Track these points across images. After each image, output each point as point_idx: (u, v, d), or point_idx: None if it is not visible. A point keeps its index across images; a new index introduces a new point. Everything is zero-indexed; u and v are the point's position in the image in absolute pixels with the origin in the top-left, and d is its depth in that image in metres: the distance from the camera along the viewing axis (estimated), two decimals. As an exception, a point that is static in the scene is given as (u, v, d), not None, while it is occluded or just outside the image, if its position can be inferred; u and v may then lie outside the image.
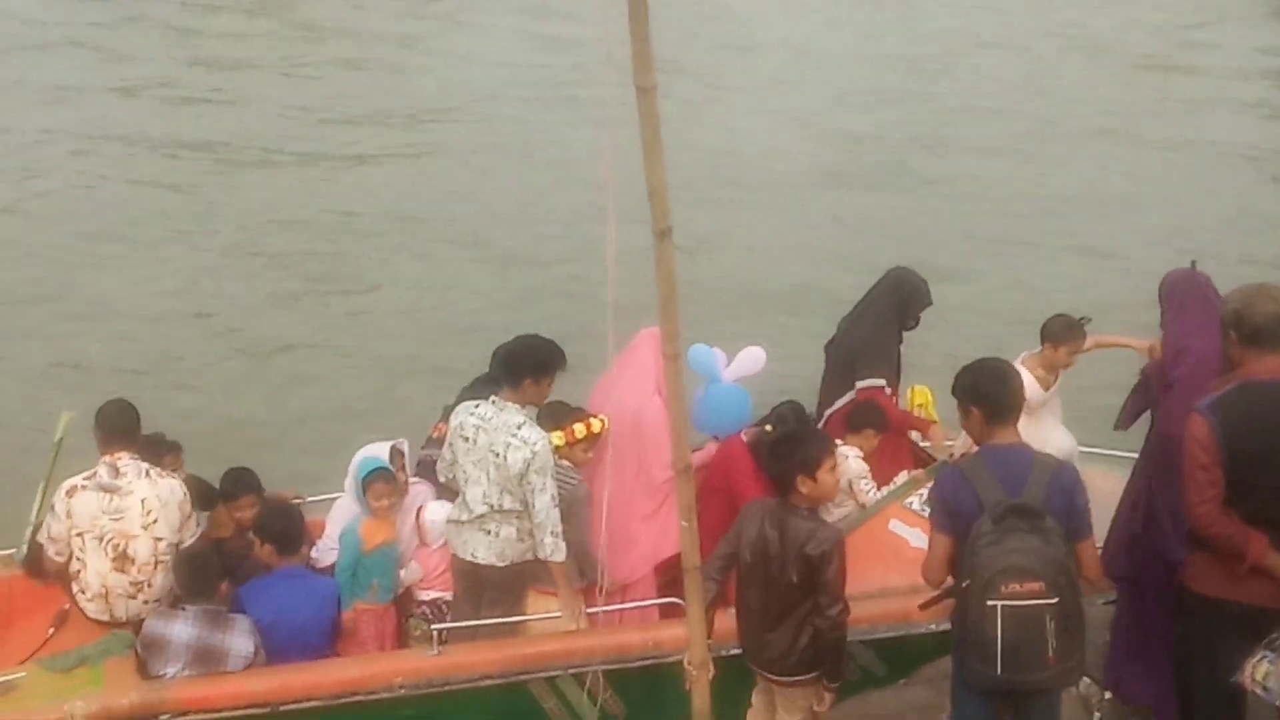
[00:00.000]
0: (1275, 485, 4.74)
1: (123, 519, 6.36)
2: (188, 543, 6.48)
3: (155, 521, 6.39)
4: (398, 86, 19.22)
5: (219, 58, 19.88)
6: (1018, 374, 5.29)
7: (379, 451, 6.88)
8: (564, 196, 14.68)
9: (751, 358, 7.13)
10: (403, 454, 6.97)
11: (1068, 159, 17.20)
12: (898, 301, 7.81)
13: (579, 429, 6.64)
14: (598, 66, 4.93)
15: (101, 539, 6.38)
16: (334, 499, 7.17)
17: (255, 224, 14.89)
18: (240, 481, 6.97)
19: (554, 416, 6.73)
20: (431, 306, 13.24)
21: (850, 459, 7.05)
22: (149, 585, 6.42)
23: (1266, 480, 4.74)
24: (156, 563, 6.41)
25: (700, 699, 4.89)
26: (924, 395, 7.99)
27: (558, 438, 6.61)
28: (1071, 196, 15.97)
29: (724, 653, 5.72)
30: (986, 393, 5.04)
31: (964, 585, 4.74)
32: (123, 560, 6.38)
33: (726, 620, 5.71)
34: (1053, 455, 5.09)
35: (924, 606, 5.40)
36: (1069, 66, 20.98)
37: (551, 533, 6.35)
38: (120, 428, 6.51)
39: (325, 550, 6.93)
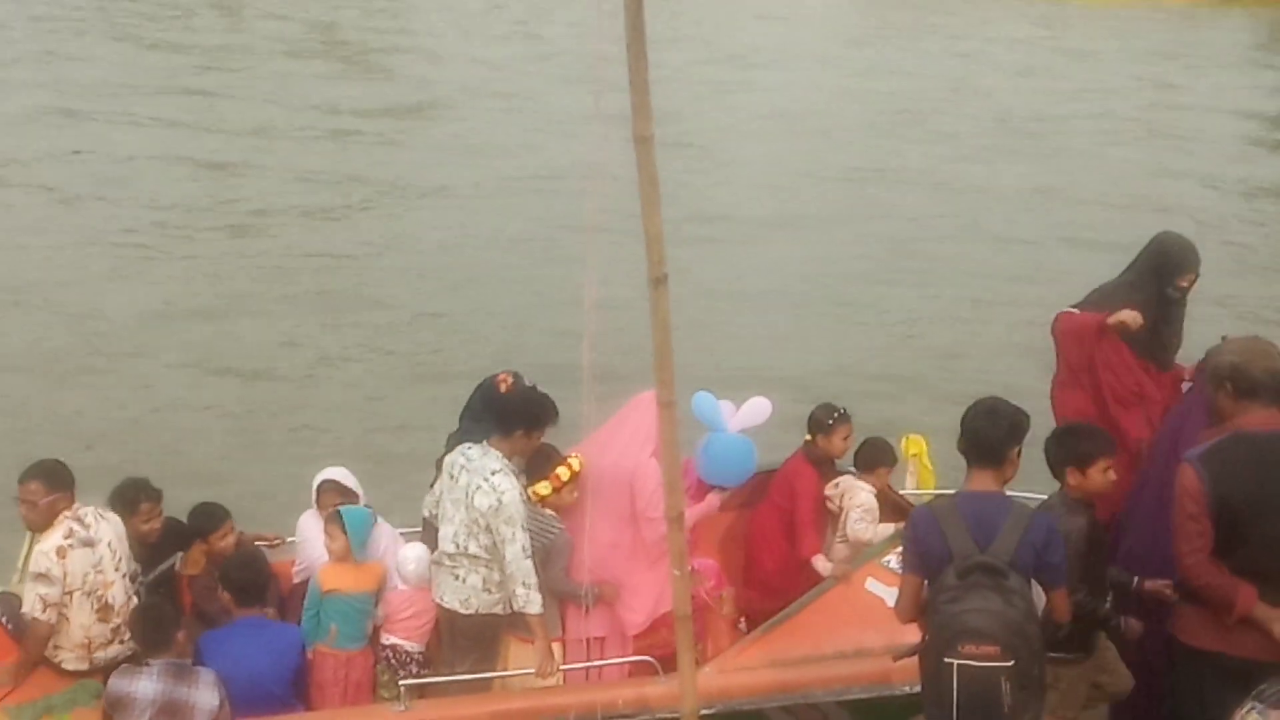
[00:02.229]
0: (1265, 537, 4.76)
1: (100, 567, 6.23)
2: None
3: (120, 559, 6.27)
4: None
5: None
6: (1013, 415, 5.10)
7: (338, 474, 6.90)
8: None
9: (757, 408, 7.05)
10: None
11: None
12: (1152, 268, 6.91)
13: (562, 472, 6.59)
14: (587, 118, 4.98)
15: (89, 594, 6.23)
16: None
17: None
18: (213, 516, 6.86)
19: (540, 460, 6.67)
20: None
21: (862, 493, 7.07)
22: (126, 627, 6.26)
23: (1256, 532, 4.76)
24: (130, 601, 6.28)
25: (690, 751, 4.82)
26: (918, 445, 7.88)
27: (544, 488, 6.57)
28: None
29: (709, 711, 5.66)
30: (970, 429, 5.01)
31: (926, 638, 4.76)
32: (105, 611, 6.25)
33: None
34: (1028, 507, 5.05)
35: (897, 659, 5.43)
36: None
37: (523, 584, 6.27)
38: (70, 480, 6.33)
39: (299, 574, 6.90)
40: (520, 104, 21.76)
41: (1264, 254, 16.54)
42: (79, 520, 6.24)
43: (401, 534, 6.92)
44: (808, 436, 7.28)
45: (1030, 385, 7.60)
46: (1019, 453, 5.03)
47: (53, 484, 6.25)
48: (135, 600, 6.29)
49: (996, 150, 20.70)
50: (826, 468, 7.26)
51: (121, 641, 6.27)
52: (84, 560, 6.19)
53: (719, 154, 19.67)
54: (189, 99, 20.91)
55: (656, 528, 6.34)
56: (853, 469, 7.28)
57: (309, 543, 6.90)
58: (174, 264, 14.84)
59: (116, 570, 6.25)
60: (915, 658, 5.14)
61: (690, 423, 6.86)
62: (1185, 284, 6.73)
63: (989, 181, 19.06)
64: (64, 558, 6.16)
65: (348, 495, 6.87)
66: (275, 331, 13.31)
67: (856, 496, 7.06)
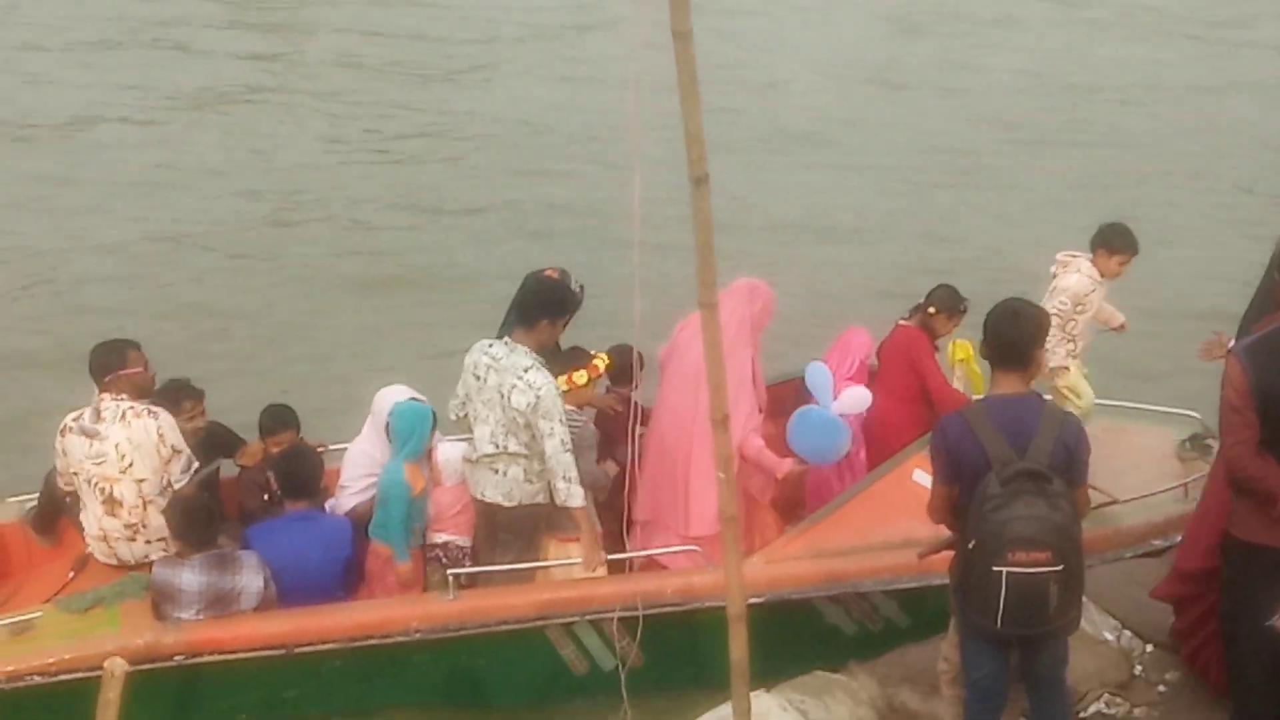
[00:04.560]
0: None
1: (104, 463, 6.30)
2: (180, 483, 6.38)
3: (131, 465, 6.30)
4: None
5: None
6: (1036, 315, 5.10)
7: (401, 393, 6.79)
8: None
9: (858, 396, 7.05)
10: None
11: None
12: None
13: (599, 363, 6.60)
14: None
15: (90, 482, 6.33)
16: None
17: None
18: (279, 418, 6.93)
19: (571, 362, 6.68)
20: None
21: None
22: (144, 526, 6.35)
23: None
24: (145, 504, 6.33)
25: (739, 650, 4.83)
26: (965, 350, 7.81)
27: (581, 376, 6.62)
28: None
29: (757, 600, 5.68)
30: (994, 332, 4.97)
31: (970, 545, 4.73)
32: (111, 504, 6.33)
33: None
34: (1058, 406, 4.99)
35: (922, 556, 5.46)
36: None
37: (564, 478, 6.28)
38: (101, 368, 6.40)
39: (346, 496, 6.83)
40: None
41: None
42: (95, 410, 6.34)
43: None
44: (931, 309, 7.52)
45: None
46: (1043, 351, 4.99)
47: (91, 373, 6.41)
48: (151, 504, 6.35)
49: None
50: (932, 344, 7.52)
51: (149, 541, 6.37)
52: (79, 448, 6.32)
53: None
54: None
55: (737, 423, 6.36)
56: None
57: (363, 457, 6.86)
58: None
59: (124, 473, 6.30)
60: (946, 553, 5.18)
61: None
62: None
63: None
64: (64, 436, 6.36)
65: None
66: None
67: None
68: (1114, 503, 6.98)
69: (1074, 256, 7.64)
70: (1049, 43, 20.44)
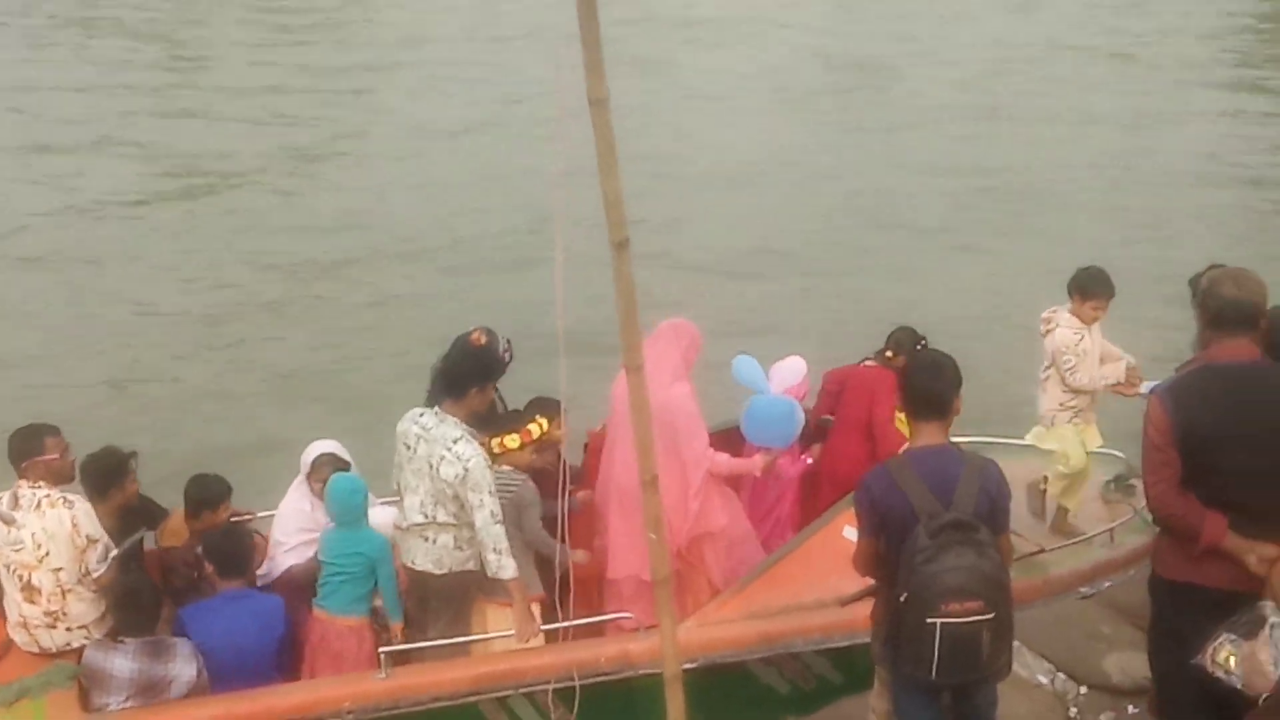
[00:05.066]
0: (1233, 467, 4.74)
1: (21, 550, 6.19)
2: (99, 571, 6.26)
3: (47, 554, 6.19)
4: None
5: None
6: (954, 364, 5.13)
7: (330, 446, 6.82)
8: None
9: (793, 368, 7.19)
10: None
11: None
12: None
13: (533, 429, 6.60)
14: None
15: (9, 568, 6.23)
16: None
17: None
18: (211, 489, 6.82)
19: (509, 424, 6.67)
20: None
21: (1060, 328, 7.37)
22: (63, 614, 6.24)
23: (1224, 462, 4.74)
24: (64, 593, 6.22)
25: (675, 713, 4.82)
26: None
27: (513, 440, 6.61)
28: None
29: (691, 666, 5.69)
30: (916, 384, 5.01)
31: (902, 599, 4.75)
32: (30, 591, 6.21)
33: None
34: (978, 455, 5.07)
35: (844, 604, 5.56)
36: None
37: (494, 549, 6.25)
38: (17, 454, 6.30)
39: (281, 555, 6.77)
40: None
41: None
42: (13, 496, 6.25)
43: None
44: (889, 353, 7.52)
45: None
46: (960, 400, 5.05)
47: (9, 458, 6.31)
48: (69, 592, 6.23)
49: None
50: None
51: (69, 629, 6.26)
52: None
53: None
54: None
55: (698, 452, 6.65)
56: None
57: (296, 513, 6.83)
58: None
59: (40, 562, 6.19)
60: (865, 602, 5.26)
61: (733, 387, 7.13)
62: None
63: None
64: None
65: (341, 467, 6.81)
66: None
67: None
68: (1040, 551, 7.07)
69: (1054, 312, 7.48)
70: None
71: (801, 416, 7.07)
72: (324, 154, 18.12)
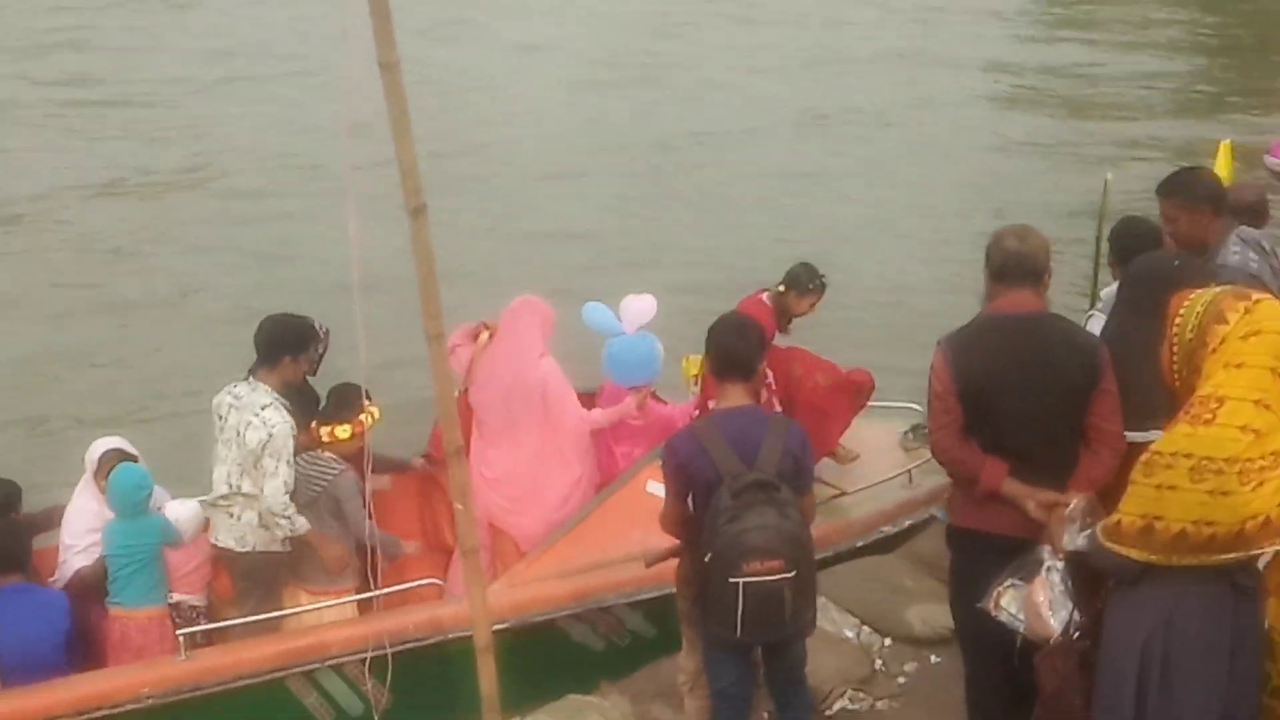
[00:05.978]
0: (1010, 414, 4.84)
1: None
2: None
3: None
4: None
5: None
6: (760, 327, 5.26)
7: (115, 442, 6.60)
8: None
9: (643, 304, 7.16)
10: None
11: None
12: None
13: (365, 419, 6.38)
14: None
15: None
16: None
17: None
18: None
19: (348, 400, 6.48)
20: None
21: None
22: None
23: (1002, 409, 4.85)
24: None
25: (488, 683, 4.75)
26: (698, 364, 7.85)
27: (344, 431, 6.45)
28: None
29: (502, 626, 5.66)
30: (721, 345, 5.06)
31: (707, 558, 4.80)
32: None
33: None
34: (780, 415, 5.13)
35: (649, 564, 5.58)
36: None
37: (284, 515, 6.21)
38: None
39: (72, 557, 6.50)
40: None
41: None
42: None
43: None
44: (780, 287, 7.40)
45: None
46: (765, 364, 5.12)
47: None
48: None
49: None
50: (782, 322, 7.42)
51: None
52: None
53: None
54: None
55: (575, 418, 6.81)
56: None
57: (83, 513, 6.57)
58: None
59: None
60: (670, 560, 5.33)
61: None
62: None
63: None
64: None
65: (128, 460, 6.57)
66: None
67: None
68: (842, 494, 7.22)
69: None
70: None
71: (660, 349, 7.11)
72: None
